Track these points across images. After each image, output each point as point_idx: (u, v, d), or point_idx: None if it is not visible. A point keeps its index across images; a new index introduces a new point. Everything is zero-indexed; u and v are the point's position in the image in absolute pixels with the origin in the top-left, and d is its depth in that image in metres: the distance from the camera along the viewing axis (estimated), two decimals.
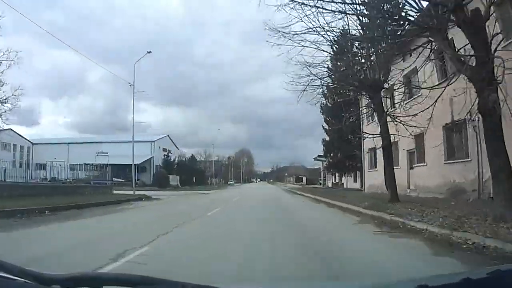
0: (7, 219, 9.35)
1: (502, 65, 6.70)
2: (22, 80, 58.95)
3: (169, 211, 14.70)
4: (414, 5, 8.23)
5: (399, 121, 13.07)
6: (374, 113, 15.60)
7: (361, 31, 12.40)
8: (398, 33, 9.62)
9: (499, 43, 7.41)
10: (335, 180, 49.32)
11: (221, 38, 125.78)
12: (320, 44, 12.06)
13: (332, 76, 14.69)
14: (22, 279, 1.13)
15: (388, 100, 17.51)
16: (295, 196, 31.12)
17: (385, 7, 9.33)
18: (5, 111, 21.15)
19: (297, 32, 10.34)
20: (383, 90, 14.06)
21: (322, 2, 8.46)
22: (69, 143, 59.55)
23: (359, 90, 15.11)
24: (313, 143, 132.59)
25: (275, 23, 10.05)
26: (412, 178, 18.33)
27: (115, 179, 48.22)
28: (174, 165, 51.81)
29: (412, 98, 14.65)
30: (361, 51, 13.95)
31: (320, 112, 30.95)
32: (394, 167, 14.19)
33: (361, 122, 21.54)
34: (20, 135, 56.29)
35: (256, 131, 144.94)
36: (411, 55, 11.67)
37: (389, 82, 14.06)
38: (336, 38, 12.94)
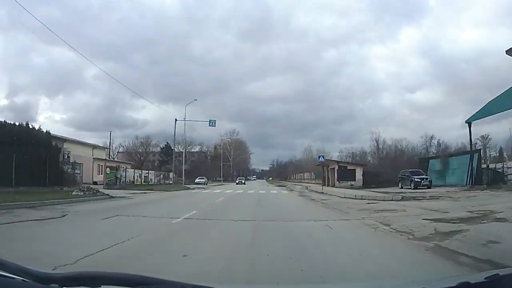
0: None
1: None
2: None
3: None
4: None
5: None
6: None
7: None
8: None
9: None
10: None
11: (219, 35, 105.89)
12: None
13: None
14: (21, 278, 1.05)
15: None
16: None
17: None
18: None
19: None
20: None
21: None
22: None
23: None
24: (310, 142, 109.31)
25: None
26: None
27: None
28: None
29: None
30: None
31: None
32: None
33: None
34: None
35: (254, 130, 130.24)
36: None
37: None
38: None
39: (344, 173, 30.01)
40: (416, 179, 26.03)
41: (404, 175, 27.73)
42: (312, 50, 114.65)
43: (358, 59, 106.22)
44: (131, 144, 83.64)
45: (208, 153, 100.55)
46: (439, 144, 61.82)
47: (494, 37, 76.30)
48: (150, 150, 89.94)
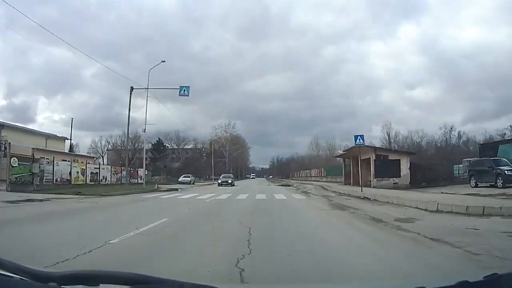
0: None
1: None
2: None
3: None
4: None
5: None
6: None
7: None
8: None
9: None
10: None
11: (217, 33, 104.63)
12: None
13: None
14: (19, 276, 1.02)
15: None
16: None
17: None
18: None
19: None
20: None
21: None
22: None
23: None
24: (310, 139, 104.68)
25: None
26: None
27: None
28: None
29: None
30: None
31: None
32: None
33: None
34: None
35: (253, 128, 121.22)
36: None
37: None
38: None
39: (384, 166, 19.72)
40: (507, 172, 15.92)
41: (483, 167, 17.55)
42: (311, 47, 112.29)
43: (357, 56, 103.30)
44: (119, 141, 74.96)
45: (203, 149, 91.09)
46: (459, 136, 57.20)
47: (493, 34, 75.10)
48: (140, 146, 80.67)
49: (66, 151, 37.86)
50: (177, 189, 24.05)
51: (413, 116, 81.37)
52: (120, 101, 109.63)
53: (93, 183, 22.20)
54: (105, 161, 62.82)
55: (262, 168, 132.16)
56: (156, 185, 27.86)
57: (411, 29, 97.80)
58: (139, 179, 28.75)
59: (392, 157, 20.38)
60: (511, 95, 66.18)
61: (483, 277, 1.16)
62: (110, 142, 73.67)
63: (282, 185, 33.49)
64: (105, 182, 23.85)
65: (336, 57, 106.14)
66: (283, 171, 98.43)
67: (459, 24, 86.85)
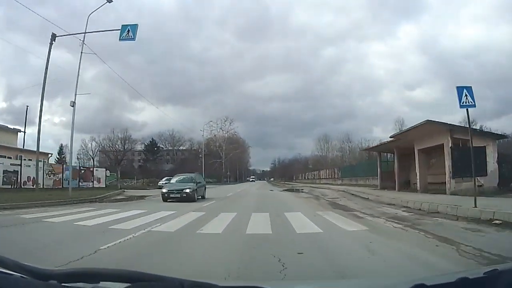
0: None
1: None
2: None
3: None
4: None
5: None
6: None
7: None
8: None
9: None
10: None
11: (217, 33, 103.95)
12: None
13: None
14: (19, 274, 1.00)
15: None
16: None
17: None
18: None
19: None
20: None
21: None
22: None
23: None
24: (310, 141, 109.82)
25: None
26: None
27: None
28: None
29: None
30: None
31: None
32: None
33: None
34: None
35: (253, 129, 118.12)
36: None
37: None
38: None
39: (464, 158, 11.75)
40: None
41: None
42: (311, 47, 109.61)
43: (357, 56, 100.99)
44: (109, 141, 67.30)
45: (199, 150, 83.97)
46: (481, 130, 54.85)
47: (493, 32, 71.72)
48: (131, 147, 73.29)
49: (20, 146, 30.06)
50: (142, 197, 16.42)
51: (414, 116, 76.77)
52: (119, 102, 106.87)
53: (9, 186, 14.32)
54: (95, 163, 55.92)
55: (263, 170, 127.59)
56: (121, 190, 20.03)
57: (411, 29, 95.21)
58: (95, 182, 20.77)
59: (475, 143, 12.32)
60: (511, 95, 62.27)
61: (484, 273, 1.13)
62: (98, 142, 66.10)
63: (288, 191, 25.47)
64: (33, 186, 15.95)
65: (336, 57, 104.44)
66: (285, 173, 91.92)
67: (458, 23, 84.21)
